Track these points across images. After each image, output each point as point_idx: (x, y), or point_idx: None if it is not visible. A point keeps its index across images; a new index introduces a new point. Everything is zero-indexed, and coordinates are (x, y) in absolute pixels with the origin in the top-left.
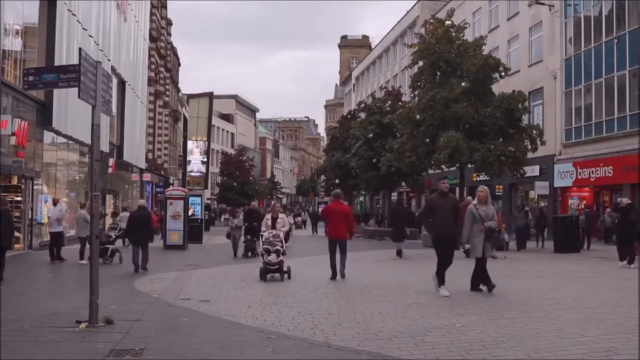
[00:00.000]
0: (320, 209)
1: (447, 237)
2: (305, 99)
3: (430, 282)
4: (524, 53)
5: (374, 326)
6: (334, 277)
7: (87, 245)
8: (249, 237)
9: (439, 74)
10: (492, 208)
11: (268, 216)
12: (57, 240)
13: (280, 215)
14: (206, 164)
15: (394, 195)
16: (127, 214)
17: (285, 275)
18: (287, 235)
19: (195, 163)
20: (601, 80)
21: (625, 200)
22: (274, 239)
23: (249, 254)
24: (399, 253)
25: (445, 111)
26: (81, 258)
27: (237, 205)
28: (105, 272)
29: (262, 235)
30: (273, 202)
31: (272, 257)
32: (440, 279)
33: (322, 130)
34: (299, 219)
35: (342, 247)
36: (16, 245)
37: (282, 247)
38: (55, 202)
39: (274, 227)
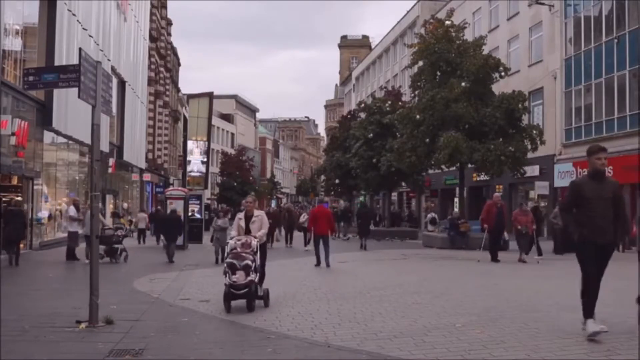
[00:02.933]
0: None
1: (604, 244)
2: (305, 99)
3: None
4: (524, 53)
5: (374, 326)
6: (318, 264)
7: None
8: None
9: (439, 74)
10: None
11: (240, 215)
12: (73, 240)
13: (257, 213)
14: (206, 164)
15: (394, 196)
16: (145, 214)
17: (261, 302)
18: (308, 238)
19: (195, 163)
20: (601, 80)
21: (531, 204)
22: (243, 250)
23: None
24: (363, 247)
25: (445, 111)
26: (88, 257)
27: (237, 205)
28: (105, 272)
29: (227, 243)
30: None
31: (239, 277)
32: (588, 309)
33: (322, 130)
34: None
35: (325, 241)
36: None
37: (253, 261)
38: (75, 204)
39: (248, 230)
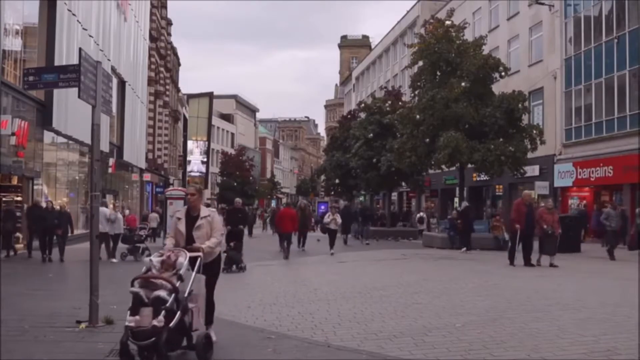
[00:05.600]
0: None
1: None
2: (305, 99)
3: None
4: (524, 53)
5: (374, 326)
6: (286, 257)
7: (117, 244)
8: (231, 245)
9: (439, 74)
10: None
11: (180, 213)
12: (104, 240)
13: (205, 211)
14: (206, 164)
15: (394, 196)
16: (156, 215)
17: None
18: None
19: (195, 163)
20: (601, 80)
21: (464, 204)
22: (162, 272)
23: (232, 267)
24: (345, 242)
25: (445, 111)
26: (112, 256)
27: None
28: (105, 272)
29: (151, 260)
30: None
31: (142, 318)
32: None
33: (322, 130)
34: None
35: (288, 238)
36: (16, 245)
37: (173, 292)
38: (104, 205)
39: (190, 237)
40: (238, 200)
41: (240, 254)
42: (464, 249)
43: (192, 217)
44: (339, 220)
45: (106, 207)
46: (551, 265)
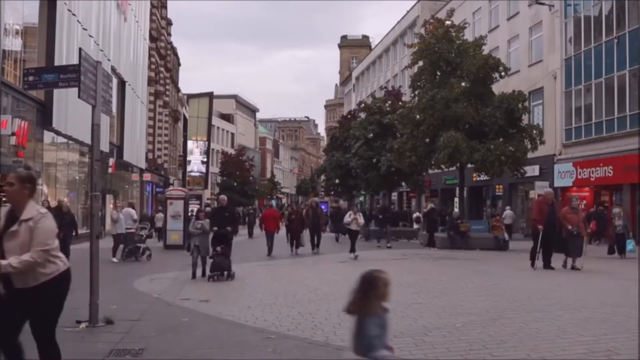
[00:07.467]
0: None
1: None
2: (305, 99)
3: None
4: (524, 53)
5: None
6: (269, 254)
7: (119, 244)
8: (217, 249)
9: (439, 74)
10: None
11: (3, 212)
12: (126, 240)
13: (30, 212)
14: (206, 164)
15: (394, 196)
16: (162, 214)
17: None
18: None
19: (195, 163)
20: (601, 80)
21: (430, 205)
22: None
23: (222, 274)
24: (337, 239)
25: (445, 111)
26: (113, 255)
27: (238, 205)
28: (106, 272)
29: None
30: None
31: None
32: None
33: (322, 130)
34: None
35: (271, 237)
36: None
37: None
38: (131, 206)
39: (1, 250)
40: (223, 197)
41: (229, 260)
42: (431, 248)
43: (10, 220)
44: (361, 220)
45: (133, 208)
46: (573, 268)
